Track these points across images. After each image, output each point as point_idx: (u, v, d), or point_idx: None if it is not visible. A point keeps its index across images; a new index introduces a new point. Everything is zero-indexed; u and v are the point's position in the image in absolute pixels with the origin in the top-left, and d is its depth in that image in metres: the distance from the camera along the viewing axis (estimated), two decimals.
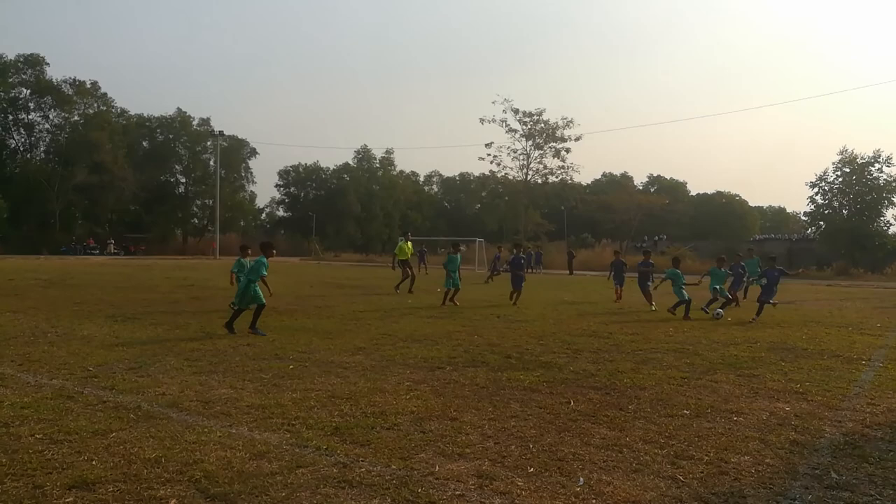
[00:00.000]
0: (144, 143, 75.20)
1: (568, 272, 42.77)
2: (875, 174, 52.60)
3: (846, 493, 4.18)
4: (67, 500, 3.76)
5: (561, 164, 65.16)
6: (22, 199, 60.31)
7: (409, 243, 22.04)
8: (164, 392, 6.39)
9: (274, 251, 11.35)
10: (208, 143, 74.19)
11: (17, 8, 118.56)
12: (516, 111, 63.58)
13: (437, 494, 3.96)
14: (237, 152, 78.22)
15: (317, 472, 4.29)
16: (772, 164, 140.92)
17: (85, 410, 5.65)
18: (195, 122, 76.38)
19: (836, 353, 10.07)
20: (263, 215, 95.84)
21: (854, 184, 53.17)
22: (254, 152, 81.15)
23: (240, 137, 79.11)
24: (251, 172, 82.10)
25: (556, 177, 66.71)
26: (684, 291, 15.33)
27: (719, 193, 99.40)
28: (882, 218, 53.64)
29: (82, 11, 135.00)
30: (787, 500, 4.05)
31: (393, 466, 4.44)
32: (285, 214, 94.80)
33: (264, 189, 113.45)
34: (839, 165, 53.85)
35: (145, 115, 75.49)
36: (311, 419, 5.55)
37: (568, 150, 64.38)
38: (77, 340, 9.54)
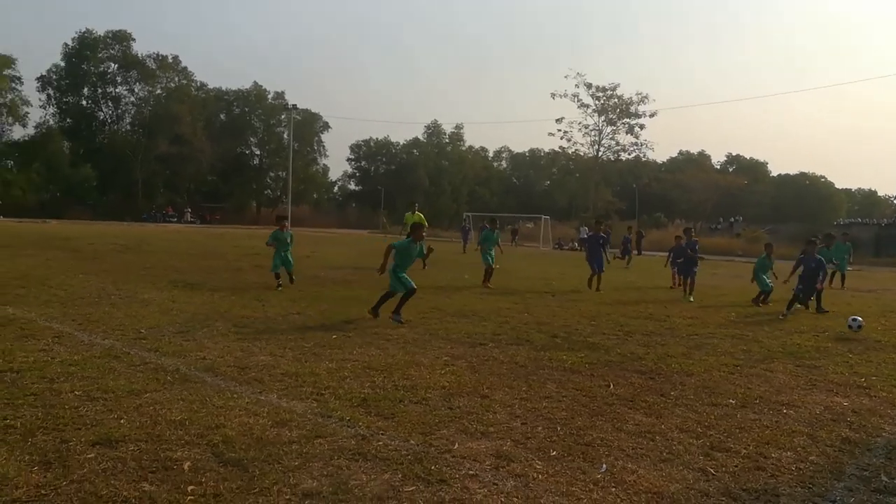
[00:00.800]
0: (222, 116, 77.68)
1: (636, 252, 41.68)
2: None
3: (895, 498, 3.85)
4: (89, 455, 3.86)
5: (634, 140, 63.53)
6: (109, 170, 63.59)
7: (418, 214, 20.04)
8: (205, 356, 6.53)
9: (421, 231, 9.70)
10: (282, 117, 75.99)
11: None
12: (589, 86, 62.17)
13: (449, 472, 3.87)
14: (310, 126, 79.86)
15: (334, 442, 4.27)
16: (862, 144, 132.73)
17: (127, 370, 5.83)
18: (270, 96, 78.26)
19: None
20: (336, 188, 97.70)
21: None
22: (326, 126, 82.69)
23: (313, 111, 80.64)
24: (324, 146, 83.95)
25: (630, 154, 65.04)
26: (768, 280, 13.90)
27: (802, 174, 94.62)
28: None
29: None
30: (826, 501, 3.77)
31: (412, 441, 4.38)
32: (356, 188, 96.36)
33: (337, 163, 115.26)
34: None
35: (223, 88, 77.81)
36: (341, 389, 5.55)
37: (642, 127, 62.76)
38: (137, 303, 9.90)
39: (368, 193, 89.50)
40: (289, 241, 13.32)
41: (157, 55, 67.94)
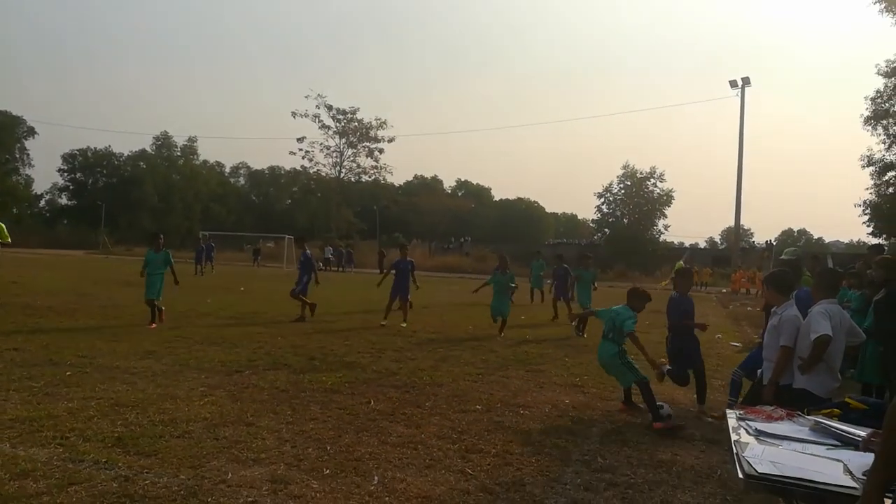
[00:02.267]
0: None
1: (379, 271, 43.27)
2: (651, 188, 59.63)
3: (608, 474, 4.72)
4: None
5: (374, 163, 65.65)
6: None
7: None
8: None
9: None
10: None
11: None
12: (330, 108, 62.99)
13: (228, 502, 3.85)
14: (10, 130, 69.49)
15: (93, 488, 3.96)
16: (567, 174, 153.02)
17: None
18: None
19: None
20: (42, 202, 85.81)
21: (634, 196, 59.79)
22: (32, 132, 72.50)
23: (14, 114, 70.25)
24: (28, 154, 73.43)
25: (370, 176, 67.08)
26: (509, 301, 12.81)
27: (520, 199, 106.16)
28: (655, 227, 60.99)
29: None
30: (560, 484, 4.48)
31: (182, 476, 4.23)
32: (69, 202, 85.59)
33: (44, 174, 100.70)
34: (622, 179, 60.27)
35: None
36: (89, 431, 5.09)
37: (381, 151, 65.02)
38: None
39: (85, 209, 79.94)
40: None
41: None
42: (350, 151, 65.02)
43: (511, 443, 5.36)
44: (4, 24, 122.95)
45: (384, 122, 64.23)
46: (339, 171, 65.73)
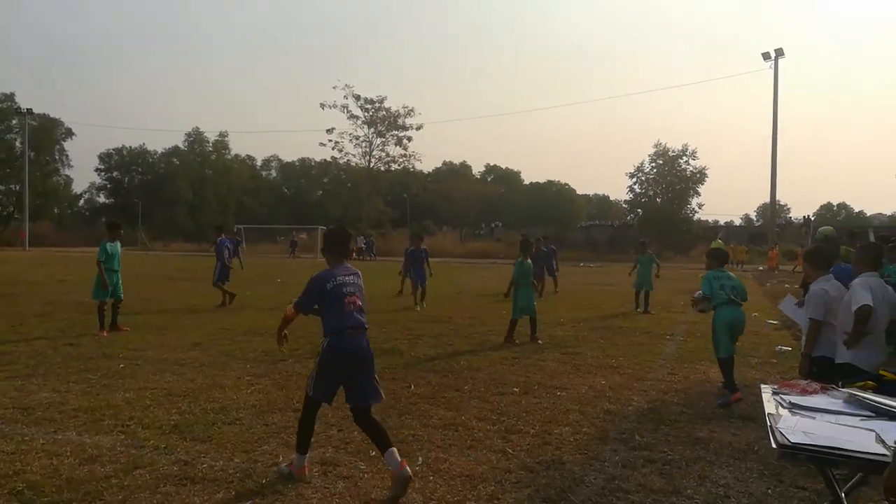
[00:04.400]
0: None
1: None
2: (683, 166, 58.78)
3: (646, 451, 4.83)
4: None
5: (403, 152, 65.68)
6: None
7: None
8: None
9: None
10: (13, 122, 66.55)
11: None
12: (357, 97, 63.18)
13: (282, 484, 4.05)
14: (49, 133, 71.03)
15: (156, 471, 4.20)
16: (597, 156, 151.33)
17: None
18: None
19: (646, 329, 11.27)
20: (81, 202, 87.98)
21: (666, 174, 58.98)
22: (70, 133, 74.15)
23: (52, 117, 71.94)
24: (66, 155, 75.09)
25: (399, 165, 67.21)
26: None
27: (551, 182, 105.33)
28: (688, 206, 60.14)
29: None
30: (598, 462, 4.60)
31: (236, 460, 4.46)
32: (107, 201, 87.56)
33: (83, 174, 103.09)
34: (654, 157, 59.46)
35: None
36: (146, 419, 5.38)
37: (409, 139, 65.00)
38: None
39: (122, 207, 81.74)
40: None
41: None
42: (379, 140, 65.16)
43: (549, 423, 5.49)
44: (35, 28, 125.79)
45: (412, 110, 64.14)
46: (369, 161, 65.98)
